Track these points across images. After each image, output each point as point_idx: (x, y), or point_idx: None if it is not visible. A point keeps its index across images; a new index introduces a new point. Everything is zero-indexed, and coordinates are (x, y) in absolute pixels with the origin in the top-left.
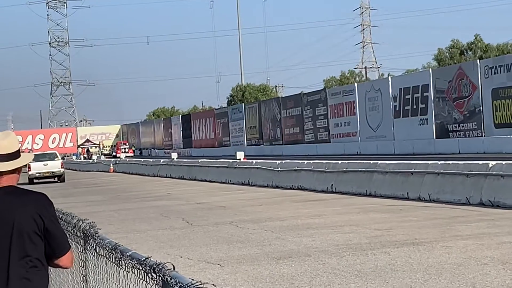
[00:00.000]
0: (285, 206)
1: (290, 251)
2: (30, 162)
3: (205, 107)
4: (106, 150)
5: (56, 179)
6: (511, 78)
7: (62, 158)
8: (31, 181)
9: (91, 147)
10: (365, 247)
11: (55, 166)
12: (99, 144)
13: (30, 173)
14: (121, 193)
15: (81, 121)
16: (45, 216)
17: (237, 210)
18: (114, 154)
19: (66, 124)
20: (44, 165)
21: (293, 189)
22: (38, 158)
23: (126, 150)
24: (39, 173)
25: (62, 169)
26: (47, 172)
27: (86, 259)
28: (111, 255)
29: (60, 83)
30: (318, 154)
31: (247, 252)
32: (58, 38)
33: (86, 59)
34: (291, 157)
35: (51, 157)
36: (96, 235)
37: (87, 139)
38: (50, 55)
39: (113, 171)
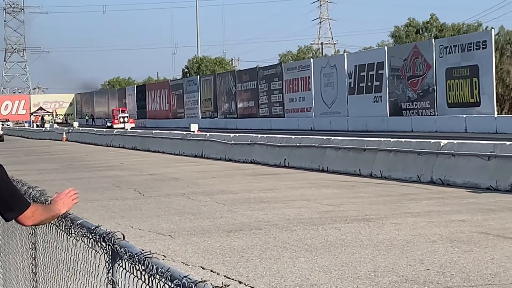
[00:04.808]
0: (238, 179)
1: (241, 224)
2: None
3: (160, 79)
4: (59, 118)
5: None
6: (465, 58)
7: (6, 124)
8: None
9: (44, 115)
10: (316, 222)
11: None
12: (52, 112)
13: None
14: (73, 162)
15: (35, 88)
16: None
17: (190, 182)
18: (109, 124)
19: (20, 91)
20: None
21: (246, 162)
22: None
23: (126, 119)
24: None
25: (2, 132)
26: None
27: (35, 226)
28: (61, 223)
29: (14, 49)
30: (272, 129)
31: (198, 224)
32: (13, 4)
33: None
34: (245, 131)
35: None
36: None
37: (40, 107)
38: (4, 21)
39: (65, 140)
